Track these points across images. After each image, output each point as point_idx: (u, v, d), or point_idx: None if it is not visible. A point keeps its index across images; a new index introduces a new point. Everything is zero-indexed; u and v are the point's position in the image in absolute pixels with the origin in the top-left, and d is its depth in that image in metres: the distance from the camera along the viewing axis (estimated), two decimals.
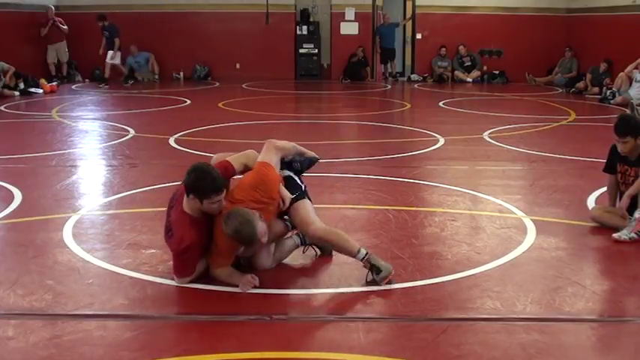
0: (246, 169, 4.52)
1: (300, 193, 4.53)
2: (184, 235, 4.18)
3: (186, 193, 4.20)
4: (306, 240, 4.75)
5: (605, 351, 3.61)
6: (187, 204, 4.22)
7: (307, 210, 4.49)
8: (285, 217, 4.59)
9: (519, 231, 5.35)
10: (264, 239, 4.21)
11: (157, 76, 17.44)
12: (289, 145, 4.68)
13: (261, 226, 4.11)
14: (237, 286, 4.22)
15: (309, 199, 4.58)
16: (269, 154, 4.50)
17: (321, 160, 4.98)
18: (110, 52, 16.18)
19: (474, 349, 3.48)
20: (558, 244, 5.12)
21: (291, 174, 4.63)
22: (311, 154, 4.80)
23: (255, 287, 4.20)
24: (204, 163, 4.31)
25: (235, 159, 4.53)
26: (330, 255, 4.79)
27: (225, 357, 3.40)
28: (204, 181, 4.10)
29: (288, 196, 4.43)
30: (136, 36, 17.19)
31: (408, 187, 6.79)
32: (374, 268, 4.28)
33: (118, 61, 16.40)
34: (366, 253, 4.33)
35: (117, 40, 16.18)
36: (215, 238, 4.29)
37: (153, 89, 16.18)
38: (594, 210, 5.61)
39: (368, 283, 4.27)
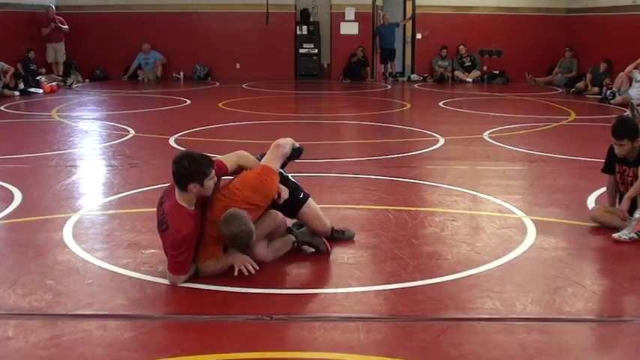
0: (239, 168, 4.58)
1: (304, 194, 4.76)
2: (181, 225, 4.16)
3: (181, 185, 4.20)
4: (298, 238, 4.80)
5: (605, 351, 3.62)
6: (181, 197, 4.22)
7: (317, 208, 4.84)
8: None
9: (519, 231, 5.35)
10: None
11: (158, 75, 17.40)
12: (289, 147, 4.78)
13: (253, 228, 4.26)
14: (231, 271, 4.26)
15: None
16: (275, 162, 4.64)
17: (321, 160, 5.01)
18: None
19: (474, 349, 3.48)
20: (558, 244, 5.12)
21: (282, 170, 4.75)
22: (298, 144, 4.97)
23: (249, 272, 4.26)
24: (183, 152, 4.47)
25: (228, 158, 4.59)
26: (327, 252, 4.82)
27: (225, 357, 3.40)
28: (196, 161, 4.20)
29: (285, 190, 4.59)
30: (135, 36, 17.18)
31: (408, 187, 6.79)
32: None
33: None
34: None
35: None
36: (204, 229, 4.33)
37: (153, 89, 16.17)
38: (594, 210, 5.61)
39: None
